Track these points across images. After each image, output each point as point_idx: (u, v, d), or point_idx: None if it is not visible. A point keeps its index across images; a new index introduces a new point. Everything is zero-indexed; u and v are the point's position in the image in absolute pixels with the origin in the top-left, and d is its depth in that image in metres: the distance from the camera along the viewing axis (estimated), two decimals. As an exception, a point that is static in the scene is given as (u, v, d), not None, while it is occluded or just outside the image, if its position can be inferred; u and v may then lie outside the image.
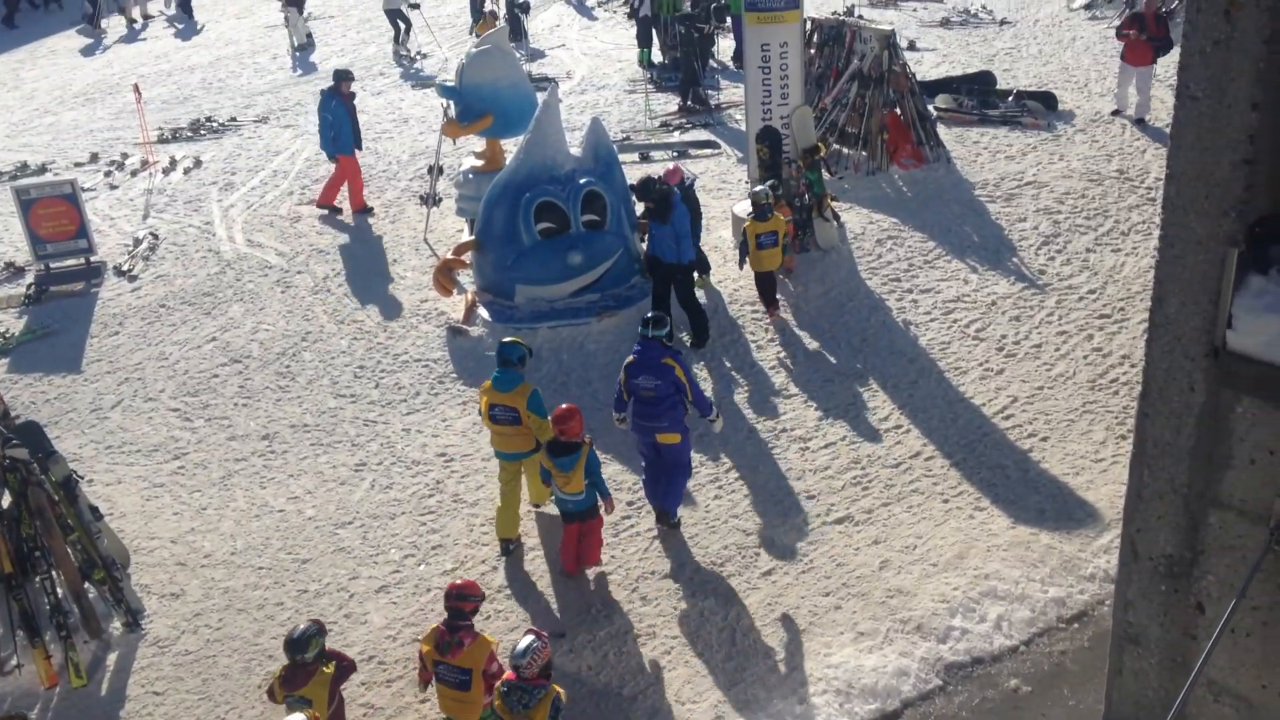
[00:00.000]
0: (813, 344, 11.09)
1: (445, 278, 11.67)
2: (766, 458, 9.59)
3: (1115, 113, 15.49)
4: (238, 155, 17.53)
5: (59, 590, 8.00)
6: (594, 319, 11.44)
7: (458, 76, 13.22)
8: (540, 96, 12.45)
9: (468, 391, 10.78)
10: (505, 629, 7.94)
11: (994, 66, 17.79)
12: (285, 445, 10.36)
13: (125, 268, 13.92)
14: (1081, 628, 7.79)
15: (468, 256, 11.88)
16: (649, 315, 8.68)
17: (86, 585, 8.20)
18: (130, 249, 14.40)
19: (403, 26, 22.50)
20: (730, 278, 12.18)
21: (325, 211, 15.02)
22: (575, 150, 11.89)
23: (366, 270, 13.43)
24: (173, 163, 17.29)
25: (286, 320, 12.47)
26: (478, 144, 13.83)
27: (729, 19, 20.41)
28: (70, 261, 14.02)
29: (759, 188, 11.45)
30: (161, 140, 18.43)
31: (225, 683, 7.84)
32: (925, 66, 18.03)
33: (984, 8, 21.70)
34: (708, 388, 10.44)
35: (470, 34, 22.27)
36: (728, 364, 10.93)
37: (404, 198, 15.41)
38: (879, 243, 12.64)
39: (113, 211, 15.81)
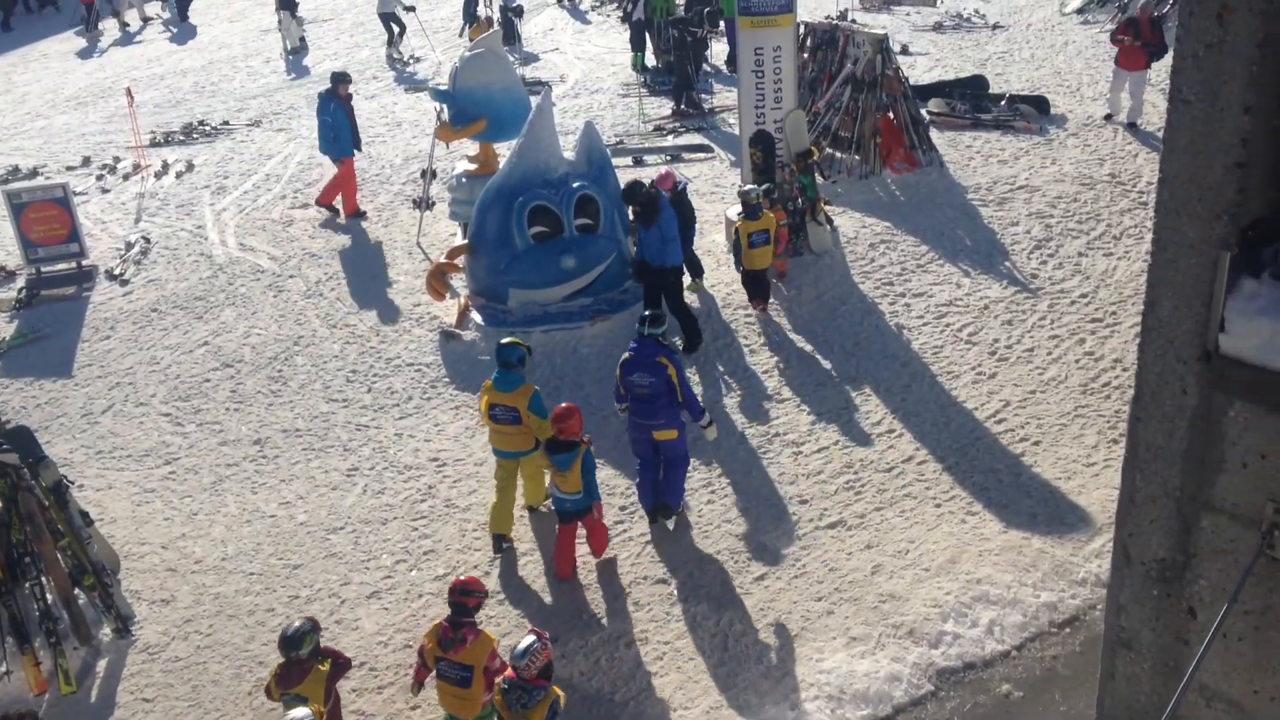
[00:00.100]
0: (805, 348, 11.09)
1: (438, 282, 11.65)
2: (759, 462, 9.58)
3: (1108, 117, 15.51)
4: (230, 159, 17.48)
5: (49, 596, 7.98)
6: (587, 323, 11.43)
7: (451, 80, 13.20)
8: (534, 100, 12.45)
9: (460, 396, 10.76)
10: (498, 634, 7.88)
11: (987, 71, 17.80)
12: (277, 450, 10.33)
13: (117, 272, 13.87)
14: (1073, 632, 7.80)
15: (461, 260, 11.87)
16: (646, 313, 8.73)
17: (76, 591, 8.18)
18: (122, 253, 14.34)
19: (396, 30, 22.48)
20: (724, 281, 12.17)
21: (324, 210, 14.97)
22: (569, 154, 11.89)
23: (359, 274, 13.39)
24: (165, 166, 17.23)
25: (279, 325, 12.43)
26: (471, 148, 13.81)
27: (722, 23, 20.40)
28: (61, 265, 13.95)
29: (748, 187, 11.50)
30: (154, 144, 18.37)
31: (216, 689, 7.81)
32: (918, 70, 18.06)
33: (976, 12, 21.74)
34: (700, 392, 10.43)
35: (463, 37, 22.26)
36: (720, 368, 10.92)
37: (397, 202, 15.38)
38: (872, 247, 12.65)
39: (104, 215, 15.75)
